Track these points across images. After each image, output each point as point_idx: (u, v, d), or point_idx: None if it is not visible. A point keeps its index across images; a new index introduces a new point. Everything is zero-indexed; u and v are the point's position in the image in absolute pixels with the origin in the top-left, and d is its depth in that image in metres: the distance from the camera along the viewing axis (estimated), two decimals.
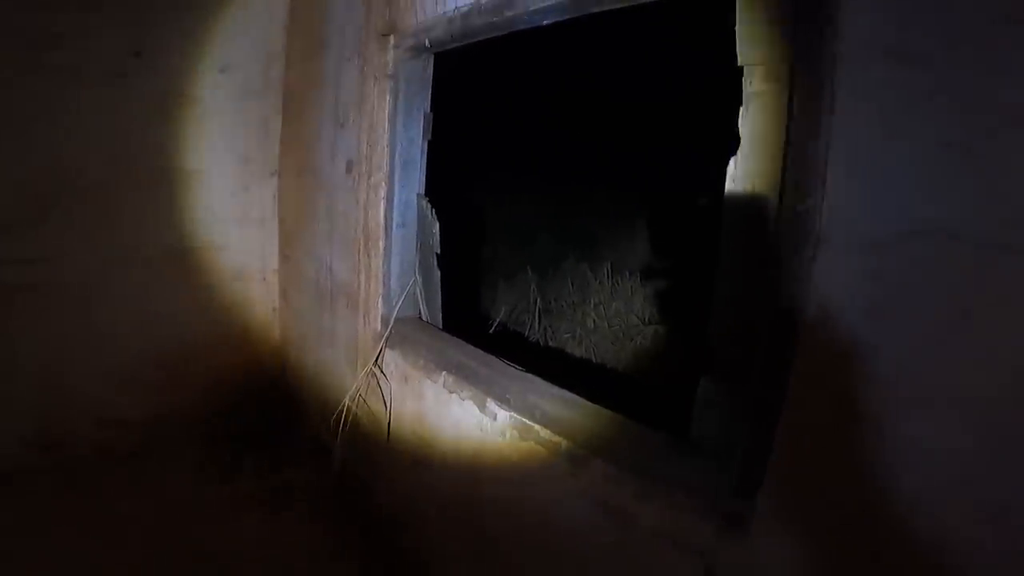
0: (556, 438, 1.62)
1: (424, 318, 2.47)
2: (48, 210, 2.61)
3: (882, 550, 1.02)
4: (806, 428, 1.10)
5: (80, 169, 2.66)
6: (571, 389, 1.83)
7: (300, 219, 3.07)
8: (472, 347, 2.20)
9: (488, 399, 1.86)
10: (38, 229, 2.60)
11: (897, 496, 0.99)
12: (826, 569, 1.10)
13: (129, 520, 2.45)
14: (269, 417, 3.22)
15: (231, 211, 3.13)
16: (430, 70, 2.31)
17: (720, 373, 1.38)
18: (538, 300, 4.36)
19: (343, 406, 2.51)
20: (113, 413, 2.88)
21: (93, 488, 2.62)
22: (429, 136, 2.37)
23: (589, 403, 1.73)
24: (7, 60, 2.42)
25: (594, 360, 3.86)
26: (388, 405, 2.38)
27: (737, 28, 1.22)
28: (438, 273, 2.37)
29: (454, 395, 2.01)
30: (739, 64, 1.22)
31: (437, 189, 2.43)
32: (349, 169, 2.54)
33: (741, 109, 1.24)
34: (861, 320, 1.02)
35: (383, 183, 2.34)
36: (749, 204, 1.27)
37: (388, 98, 2.27)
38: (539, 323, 4.23)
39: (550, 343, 4.08)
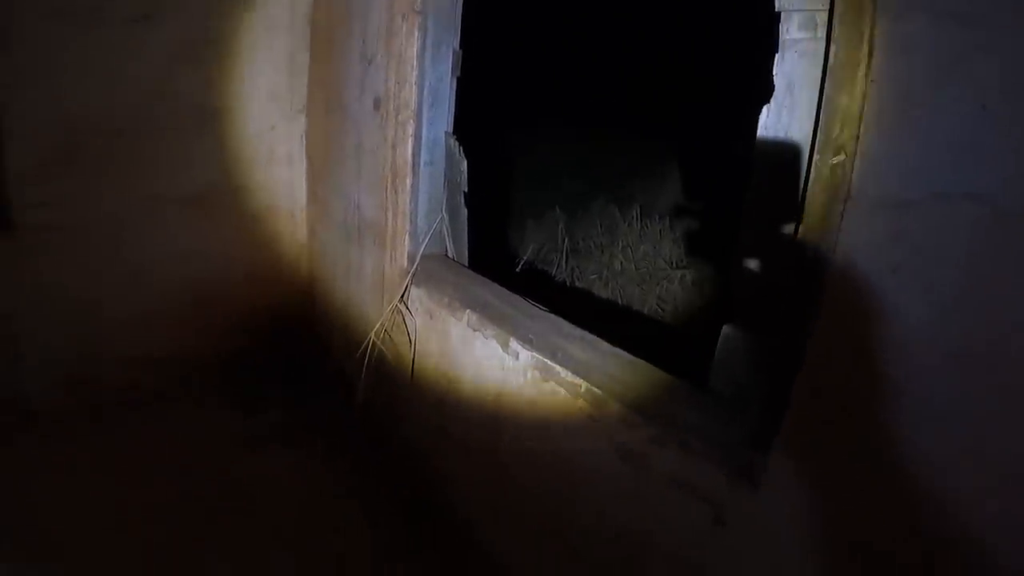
0: (577, 380, 1.65)
1: (450, 256, 2.49)
2: (75, 152, 2.61)
3: (891, 509, 1.04)
4: (824, 383, 1.11)
5: (107, 110, 2.64)
6: (595, 331, 1.85)
7: (328, 157, 3.07)
8: (497, 286, 2.23)
9: (511, 339, 1.88)
10: (66, 171, 2.60)
11: (909, 456, 1.01)
12: (834, 525, 1.13)
13: (155, 456, 2.52)
14: (295, 353, 3.29)
15: (259, 150, 3.11)
16: (459, 6, 2.26)
17: (742, 323, 1.39)
18: (566, 240, 4.36)
19: (368, 341, 2.57)
20: (140, 350, 2.93)
21: (120, 425, 2.69)
22: (458, 73, 2.34)
23: (611, 346, 1.76)
24: (29, 3, 2.39)
25: (620, 302, 3.88)
26: (413, 341, 2.43)
27: None
28: (465, 211, 2.38)
29: (478, 333, 2.04)
30: (776, 10, 1.19)
31: (466, 127, 2.42)
32: (377, 106, 2.52)
33: (776, 56, 1.21)
34: (884, 278, 1.01)
35: (411, 120, 2.32)
36: (781, 154, 1.25)
37: (416, 34, 2.22)
38: (566, 263, 4.23)
39: (576, 284, 4.09)
